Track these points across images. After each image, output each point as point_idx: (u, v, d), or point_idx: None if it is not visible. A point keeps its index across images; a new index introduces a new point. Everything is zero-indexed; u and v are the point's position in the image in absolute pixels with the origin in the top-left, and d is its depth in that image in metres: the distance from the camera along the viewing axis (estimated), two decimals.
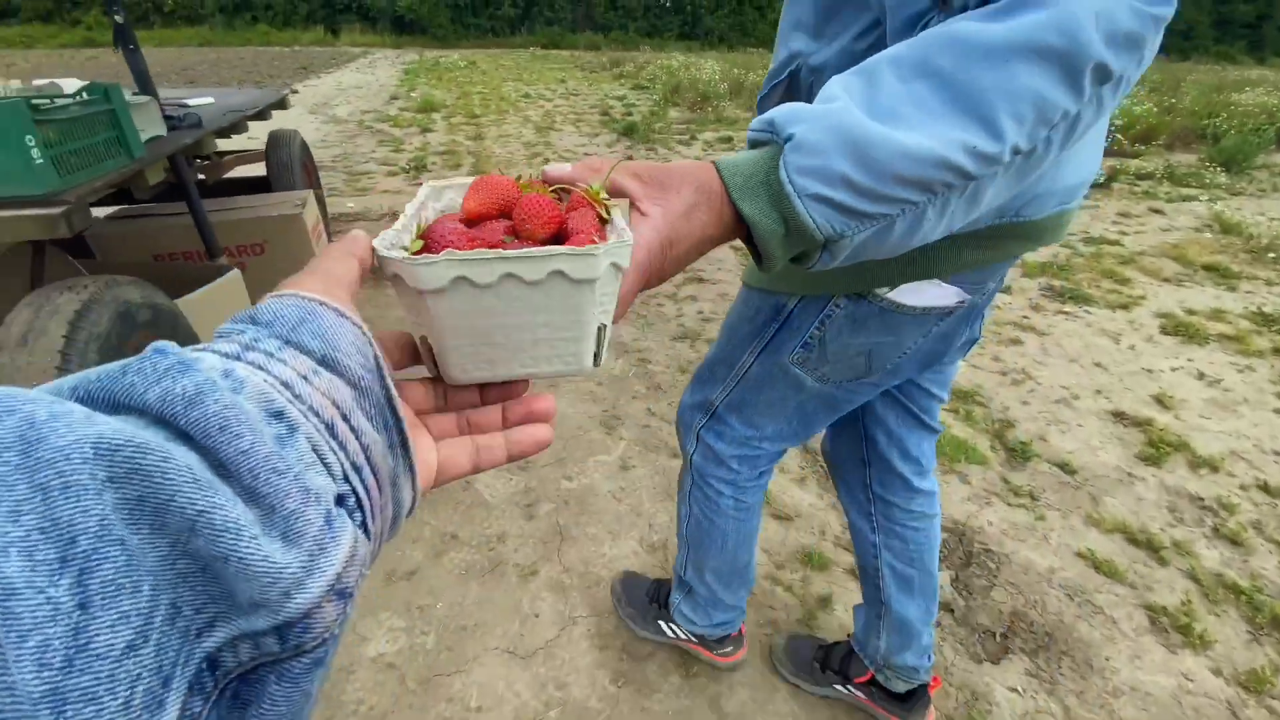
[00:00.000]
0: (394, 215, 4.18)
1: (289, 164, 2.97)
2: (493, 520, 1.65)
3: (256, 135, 2.83)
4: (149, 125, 1.69)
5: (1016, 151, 0.38)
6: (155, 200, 2.48)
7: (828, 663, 1.19)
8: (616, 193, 0.41)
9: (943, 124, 0.37)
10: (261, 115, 2.59)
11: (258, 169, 3.08)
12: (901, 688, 1.11)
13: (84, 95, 1.27)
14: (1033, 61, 0.37)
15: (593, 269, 0.30)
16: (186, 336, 1.51)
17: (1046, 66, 0.37)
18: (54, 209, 1.09)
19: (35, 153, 1.07)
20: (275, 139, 2.99)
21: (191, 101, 2.52)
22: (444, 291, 0.30)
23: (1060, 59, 0.36)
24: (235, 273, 1.99)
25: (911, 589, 1.04)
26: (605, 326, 0.35)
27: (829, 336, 0.76)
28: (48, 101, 1.26)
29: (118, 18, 1.71)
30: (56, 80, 2.70)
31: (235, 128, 2.26)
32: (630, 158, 5.33)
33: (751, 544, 1.08)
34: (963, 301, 0.71)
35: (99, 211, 2.23)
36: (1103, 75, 0.38)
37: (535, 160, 5.99)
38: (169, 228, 2.42)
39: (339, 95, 10.21)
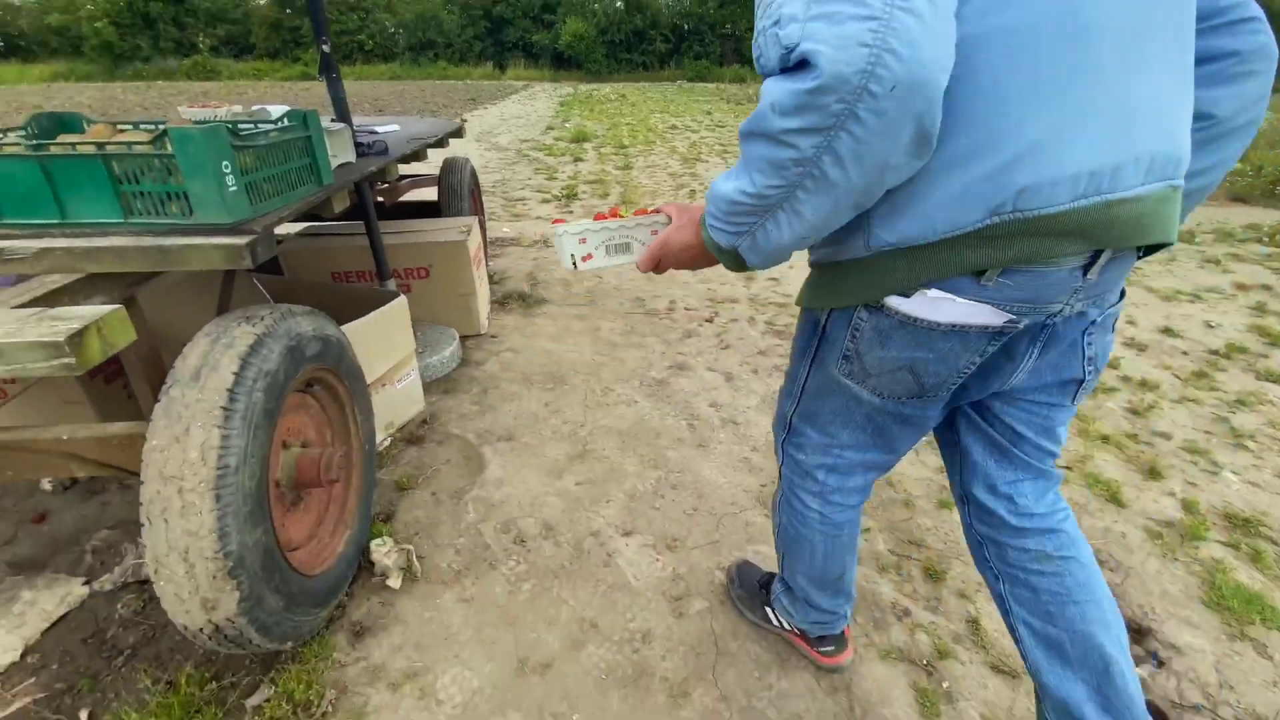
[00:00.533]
0: (546, 242, 4.21)
1: (459, 190, 3.03)
2: (636, 610, 1.42)
3: (431, 159, 2.92)
4: (341, 151, 1.69)
5: (771, 189, 0.63)
6: (337, 219, 2.60)
7: None
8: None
9: (734, 180, 0.68)
10: (440, 143, 2.64)
11: (429, 192, 3.18)
12: None
13: (284, 121, 1.23)
14: (752, 140, 0.63)
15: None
16: (350, 368, 1.45)
17: (757, 140, 0.62)
18: (241, 239, 1.03)
19: (230, 180, 1.01)
20: (448, 165, 3.07)
21: (380, 128, 2.61)
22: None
23: (762, 134, 0.61)
24: (401, 299, 1.97)
25: (1065, 657, 0.85)
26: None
27: (863, 350, 0.79)
28: (251, 126, 1.24)
29: (325, 47, 1.74)
30: (267, 106, 2.95)
31: (416, 155, 2.29)
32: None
33: (843, 560, 1.06)
34: (1011, 322, 0.68)
35: (290, 227, 2.33)
36: (800, 132, 0.57)
37: (680, 192, 5.88)
38: (347, 248, 2.51)
39: (501, 125, 10.92)
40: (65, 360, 0.65)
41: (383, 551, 1.50)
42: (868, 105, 0.52)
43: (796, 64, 0.54)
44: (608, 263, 0.92)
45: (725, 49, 31.01)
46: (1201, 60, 0.66)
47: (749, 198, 0.65)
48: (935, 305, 0.68)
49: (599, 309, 3.12)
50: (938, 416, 0.86)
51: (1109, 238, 0.60)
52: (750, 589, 1.34)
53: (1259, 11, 0.67)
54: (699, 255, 0.84)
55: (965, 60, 0.55)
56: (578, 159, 7.52)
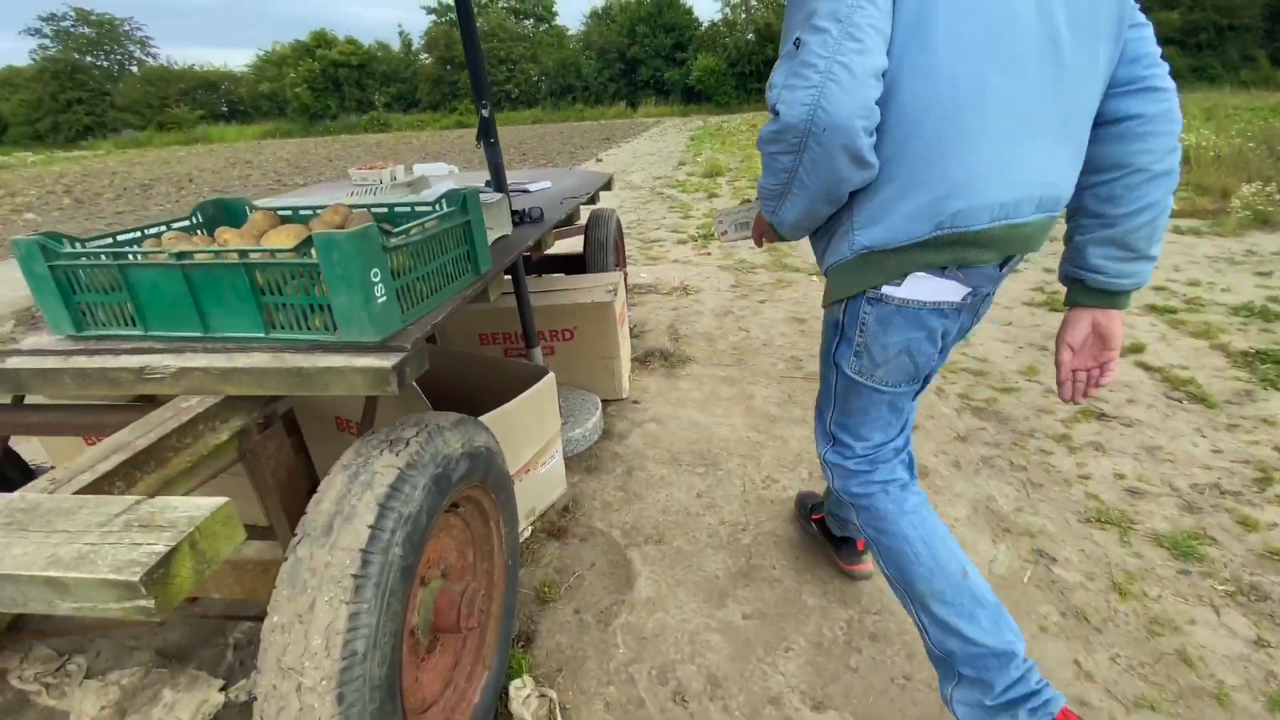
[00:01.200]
0: (685, 289, 3.98)
1: (604, 243, 2.87)
2: None
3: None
4: (498, 225, 1.53)
5: (775, 184, 0.92)
6: None
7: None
8: None
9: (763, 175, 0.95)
10: (592, 199, 2.47)
11: (574, 242, 3.07)
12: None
13: (443, 206, 1.05)
14: (761, 153, 0.90)
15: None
16: (498, 477, 1.23)
17: (763, 155, 0.90)
18: (387, 360, 0.84)
19: (379, 289, 0.83)
20: (595, 218, 2.93)
21: (532, 186, 2.51)
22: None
23: (762, 152, 0.89)
24: (550, 378, 1.78)
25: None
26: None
27: (870, 340, 0.98)
28: (408, 211, 1.08)
29: (484, 112, 1.61)
30: (428, 167, 2.98)
31: (570, 219, 2.12)
32: None
33: (948, 547, 1.04)
34: (965, 296, 0.94)
35: None
36: (778, 154, 0.87)
37: None
38: (495, 311, 2.41)
39: (634, 162, 11.06)
40: (142, 604, 0.46)
41: (522, 698, 1.26)
42: (813, 140, 0.81)
43: (774, 113, 0.84)
44: (736, 236, 1.35)
45: None
46: (1114, 119, 0.90)
47: (766, 188, 0.94)
48: (919, 285, 0.91)
49: (749, 369, 2.79)
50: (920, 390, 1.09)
51: (1011, 248, 0.90)
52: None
53: (1169, 85, 0.90)
54: (764, 227, 1.19)
55: (919, 118, 0.83)
56: (712, 194, 7.31)
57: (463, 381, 2.05)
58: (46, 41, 38.86)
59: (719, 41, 30.98)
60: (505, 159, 1.82)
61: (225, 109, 38.90)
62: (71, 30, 38.80)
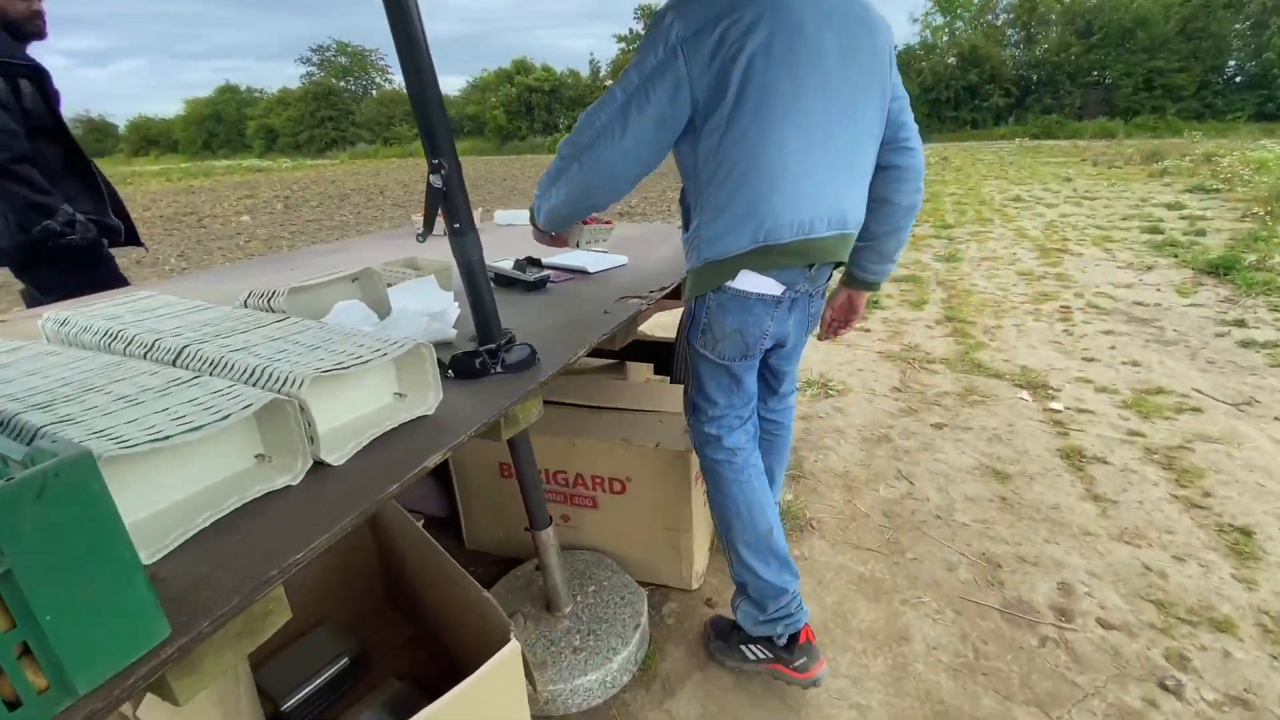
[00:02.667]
0: (824, 384, 2.97)
1: None
2: None
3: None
4: (415, 388, 0.77)
5: (539, 192, 1.25)
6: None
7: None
8: None
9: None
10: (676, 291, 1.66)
11: (672, 314, 2.26)
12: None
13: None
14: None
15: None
16: None
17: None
18: None
19: None
20: None
21: (594, 265, 1.75)
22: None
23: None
24: (513, 649, 0.98)
25: (771, 472, 1.54)
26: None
27: (713, 321, 1.23)
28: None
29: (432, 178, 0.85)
30: (507, 216, 2.35)
31: (632, 324, 1.37)
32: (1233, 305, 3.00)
33: (765, 510, 1.35)
34: (783, 292, 1.20)
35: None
36: (562, 156, 1.17)
37: (1043, 307, 4.04)
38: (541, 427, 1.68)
39: None
40: None
41: None
42: (588, 155, 1.12)
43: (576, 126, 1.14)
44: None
45: (1088, 99, 25.61)
46: (882, 167, 1.24)
47: (545, 179, 1.23)
48: (746, 280, 1.17)
49: (906, 568, 1.77)
50: (755, 366, 1.34)
51: (812, 257, 1.16)
52: (724, 633, 1.49)
53: (918, 144, 1.26)
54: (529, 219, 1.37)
55: (740, 167, 1.08)
56: None
57: (408, 587, 1.33)
58: (313, 69, 46.95)
59: (913, 65, 28.49)
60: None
61: None
62: (331, 59, 46.45)
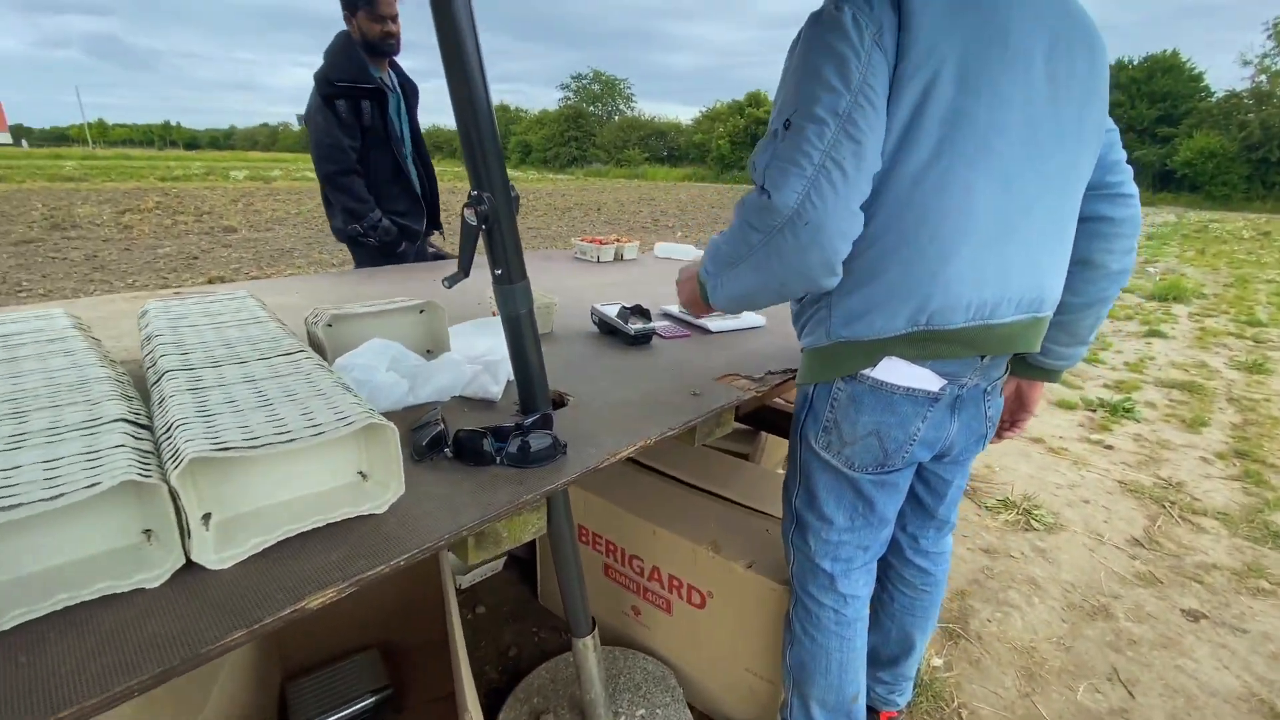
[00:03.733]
0: (1028, 510, 2.30)
1: None
2: None
3: None
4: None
5: (736, 251, 0.85)
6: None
7: None
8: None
9: (724, 236, 0.88)
10: None
11: None
12: None
13: None
14: (736, 217, 0.85)
15: None
16: None
17: (738, 219, 0.84)
18: None
19: None
20: None
21: (715, 325, 1.46)
22: None
23: (740, 217, 0.84)
24: None
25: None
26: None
27: (840, 417, 0.95)
28: None
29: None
30: (669, 250, 2.18)
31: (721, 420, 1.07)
32: None
33: (858, 674, 1.10)
34: (943, 388, 0.90)
35: None
36: (755, 229, 0.81)
37: None
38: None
39: None
40: None
41: None
42: (790, 230, 0.77)
43: (762, 190, 0.78)
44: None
45: None
46: (1085, 219, 0.93)
47: (719, 251, 0.89)
48: (893, 369, 0.89)
49: None
50: (906, 482, 1.03)
51: (987, 348, 0.88)
52: None
53: (1134, 191, 0.95)
54: (692, 288, 1.00)
55: (903, 224, 0.80)
56: (1153, 332, 4.81)
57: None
58: (569, 94, 52.74)
59: (1234, 118, 23.07)
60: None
61: (665, 153, 46.50)
62: (586, 86, 51.75)
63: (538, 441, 0.75)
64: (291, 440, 0.57)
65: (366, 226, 2.16)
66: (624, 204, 15.78)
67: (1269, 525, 2.24)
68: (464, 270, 0.76)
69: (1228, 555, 2.08)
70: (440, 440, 0.75)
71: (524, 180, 27.46)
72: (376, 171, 2.19)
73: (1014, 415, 1.15)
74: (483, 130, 0.71)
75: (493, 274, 0.79)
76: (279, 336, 0.86)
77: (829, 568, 1.04)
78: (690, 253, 2.48)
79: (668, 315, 1.54)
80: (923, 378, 0.89)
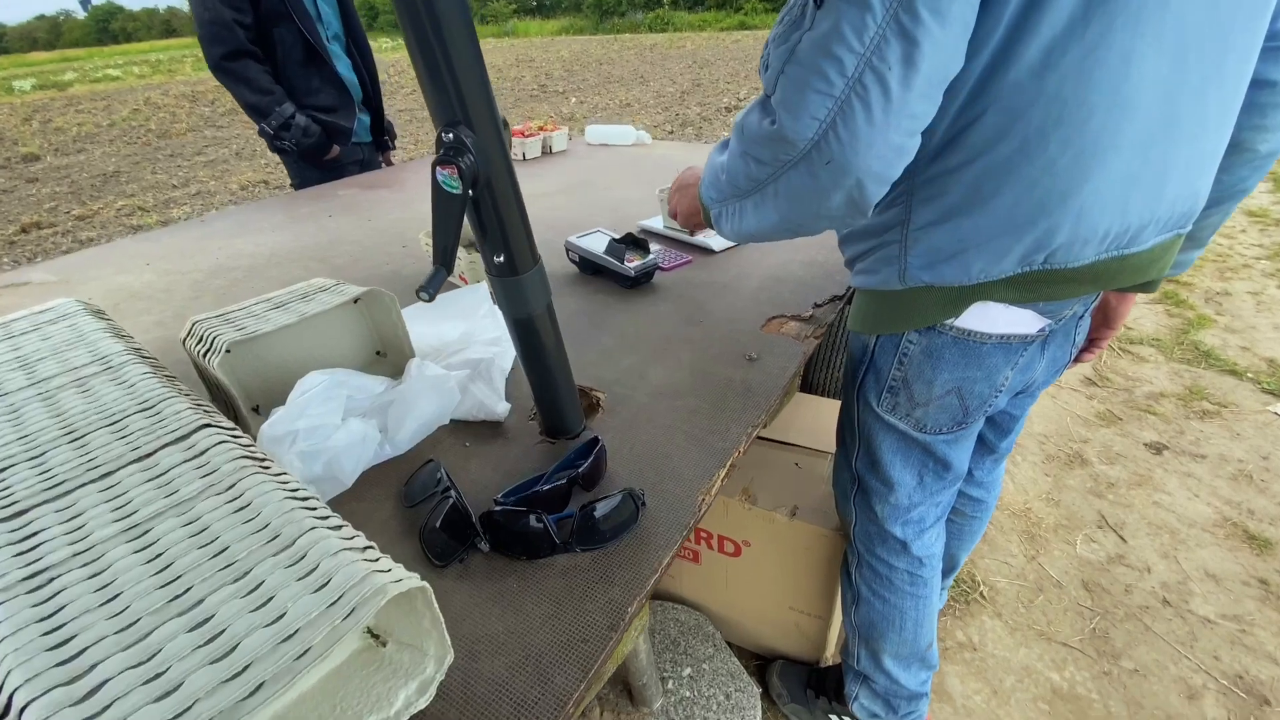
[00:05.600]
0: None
1: None
2: None
3: None
4: None
5: (734, 186, 0.66)
6: None
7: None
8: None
9: (722, 156, 0.69)
10: None
11: None
12: None
13: None
14: (735, 137, 0.65)
15: None
16: None
17: (736, 142, 0.64)
18: None
19: None
20: None
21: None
22: None
23: (738, 141, 0.64)
24: None
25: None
26: None
27: (910, 376, 0.77)
28: None
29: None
30: (601, 133, 1.84)
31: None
32: None
33: (932, 624, 1.02)
34: (1043, 329, 0.72)
35: None
36: (758, 161, 0.62)
37: None
38: None
39: None
40: None
41: None
42: (805, 168, 0.57)
43: (767, 110, 0.59)
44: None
45: None
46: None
47: (722, 181, 0.68)
48: (983, 315, 0.69)
49: (1122, 687, 1.28)
50: (974, 434, 0.87)
51: (1114, 282, 0.67)
52: (801, 699, 1.22)
53: None
54: (692, 201, 0.83)
55: (1017, 119, 0.56)
56: None
57: None
58: None
59: None
60: None
61: (535, 3, 41.48)
62: None
63: (607, 504, 0.52)
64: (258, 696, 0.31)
65: (275, 125, 1.69)
66: (500, 69, 14.12)
67: (1198, 345, 2.40)
68: (444, 264, 0.48)
69: (1169, 381, 2.22)
70: (466, 526, 0.51)
71: (379, 51, 23.93)
72: (285, 54, 1.67)
73: (1096, 333, 0.96)
74: (450, 21, 0.40)
75: (488, 263, 0.51)
76: (153, 394, 0.55)
77: (900, 533, 0.93)
78: (628, 135, 2.12)
79: (649, 233, 1.27)
80: (1021, 321, 0.71)
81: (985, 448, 1.03)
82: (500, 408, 0.67)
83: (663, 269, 1.09)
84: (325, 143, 1.76)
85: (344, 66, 1.78)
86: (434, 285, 0.46)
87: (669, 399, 0.72)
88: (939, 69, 0.51)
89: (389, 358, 0.75)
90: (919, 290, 0.69)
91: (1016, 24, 0.53)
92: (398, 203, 1.56)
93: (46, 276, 1.15)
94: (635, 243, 1.03)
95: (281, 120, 1.67)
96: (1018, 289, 0.66)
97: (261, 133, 1.71)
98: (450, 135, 0.42)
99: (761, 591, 1.24)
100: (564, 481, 0.53)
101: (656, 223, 1.26)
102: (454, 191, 0.43)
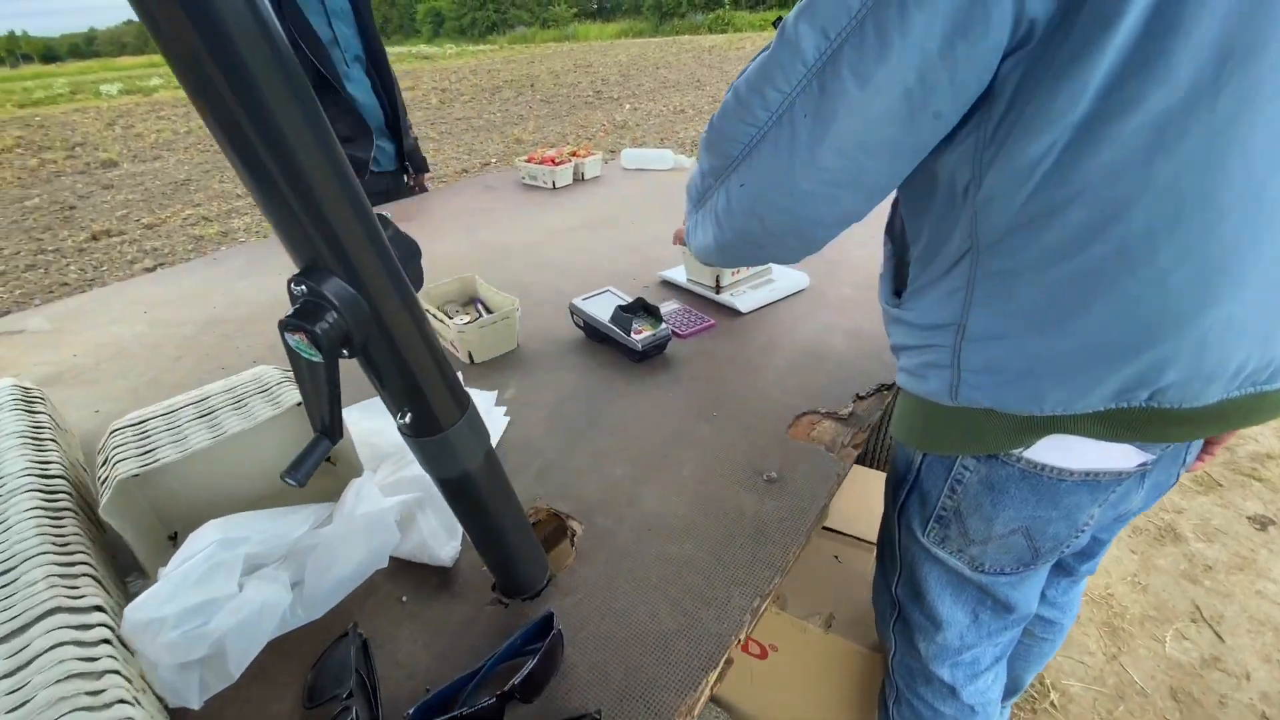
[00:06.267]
0: None
1: None
2: None
3: None
4: None
5: (691, 187, 0.64)
6: None
7: None
8: None
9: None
10: None
11: None
12: None
13: None
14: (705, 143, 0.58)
15: None
16: None
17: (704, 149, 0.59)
18: None
19: None
20: None
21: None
22: None
23: (706, 147, 0.58)
24: None
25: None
26: None
27: (965, 510, 0.63)
28: None
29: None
30: (636, 157, 1.73)
31: None
32: None
33: None
34: (1143, 464, 0.56)
35: None
36: (707, 171, 0.59)
37: None
38: None
39: None
40: None
41: None
42: (725, 187, 0.56)
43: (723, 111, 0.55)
44: None
45: None
46: None
47: (690, 190, 0.65)
48: (1067, 448, 0.55)
49: None
50: (1044, 574, 0.71)
51: (1248, 421, 0.53)
52: None
53: None
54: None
55: (1111, 216, 0.43)
56: None
57: None
58: None
59: None
60: None
61: (595, 5, 41.84)
62: None
63: None
64: None
65: None
66: (558, 75, 14.19)
67: None
68: (324, 434, 0.36)
69: (1276, 438, 1.91)
70: None
71: (442, 59, 24.61)
72: None
73: (1208, 443, 0.78)
74: (285, 116, 0.28)
75: (397, 423, 0.39)
76: (20, 549, 0.46)
77: (948, 676, 0.77)
78: (666, 159, 1.99)
79: (670, 285, 1.13)
80: (1115, 456, 0.56)
81: (1062, 569, 0.86)
82: (446, 552, 0.55)
83: (679, 335, 0.95)
84: None
85: (362, 91, 1.71)
86: (305, 466, 0.35)
87: (660, 540, 0.58)
88: (859, 133, 0.45)
89: (338, 468, 0.64)
90: (976, 412, 0.55)
91: (1110, 89, 0.40)
92: (415, 240, 1.48)
93: (42, 325, 1.11)
94: (646, 309, 0.90)
95: None
96: (1112, 426, 0.52)
97: None
98: (302, 288, 0.30)
99: (787, 702, 1.08)
100: (493, 702, 0.41)
101: (679, 274, 1.12)
102: (313, 360, 0.31)
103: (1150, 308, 0.45)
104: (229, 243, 4.56)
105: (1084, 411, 0.51)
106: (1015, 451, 0.56)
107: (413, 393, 0.37)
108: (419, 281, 0.37)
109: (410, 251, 0.36)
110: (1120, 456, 0.55)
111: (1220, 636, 1.37)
